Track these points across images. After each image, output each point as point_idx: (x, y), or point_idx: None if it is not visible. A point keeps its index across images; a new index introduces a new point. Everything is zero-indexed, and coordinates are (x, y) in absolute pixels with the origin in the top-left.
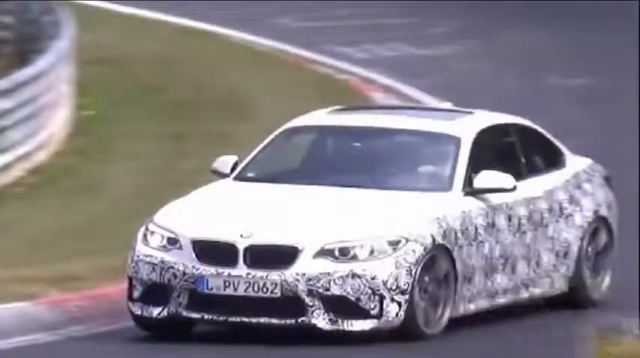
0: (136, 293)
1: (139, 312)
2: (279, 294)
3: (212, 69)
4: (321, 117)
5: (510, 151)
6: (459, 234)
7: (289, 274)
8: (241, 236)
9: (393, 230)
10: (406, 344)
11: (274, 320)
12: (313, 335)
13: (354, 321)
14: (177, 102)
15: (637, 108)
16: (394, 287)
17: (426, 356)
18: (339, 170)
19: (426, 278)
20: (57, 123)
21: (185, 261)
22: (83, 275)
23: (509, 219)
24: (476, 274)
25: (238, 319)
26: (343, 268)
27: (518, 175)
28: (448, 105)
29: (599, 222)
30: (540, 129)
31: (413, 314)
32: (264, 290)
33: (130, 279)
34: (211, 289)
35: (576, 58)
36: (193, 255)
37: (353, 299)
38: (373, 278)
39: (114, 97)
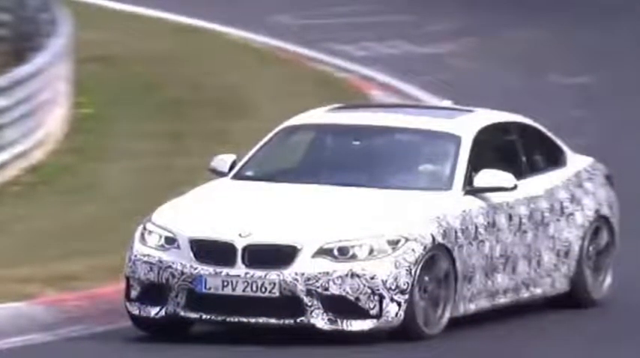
0: (134, 293)
1: (136, 312)
2: (277, 294)
3: (210, 67)
4: (320, 115)
5: (511, 150)
6: (459, 234)
7: (288, 274)
8: (240, 235)
9: (392, 229)
10: (406, 344)
11: (273, 320)
12: (312, 335)
13: (353, 321)
14: (175, 100)
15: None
16: (394, 287)
17: (426, 356)
18: (338, 169)
19: (426, 278)
20: (54, 121)
21: (183, 261)
22: (80, 274)
23: (510, 218)
24: (476, 274)
25: (236, 319)
26: (342, 268)
27: (519, 174)
28: (448, 103)
29: (601, 221)
30: (541, 128)
31: (413, 314)
32: (263, 289)
33: (128, 279)
34: (209, 289)
35: (577, 56)
36: (191, 254)
37: (352, 298)
38: (372, 278)
39: (111, 95)
